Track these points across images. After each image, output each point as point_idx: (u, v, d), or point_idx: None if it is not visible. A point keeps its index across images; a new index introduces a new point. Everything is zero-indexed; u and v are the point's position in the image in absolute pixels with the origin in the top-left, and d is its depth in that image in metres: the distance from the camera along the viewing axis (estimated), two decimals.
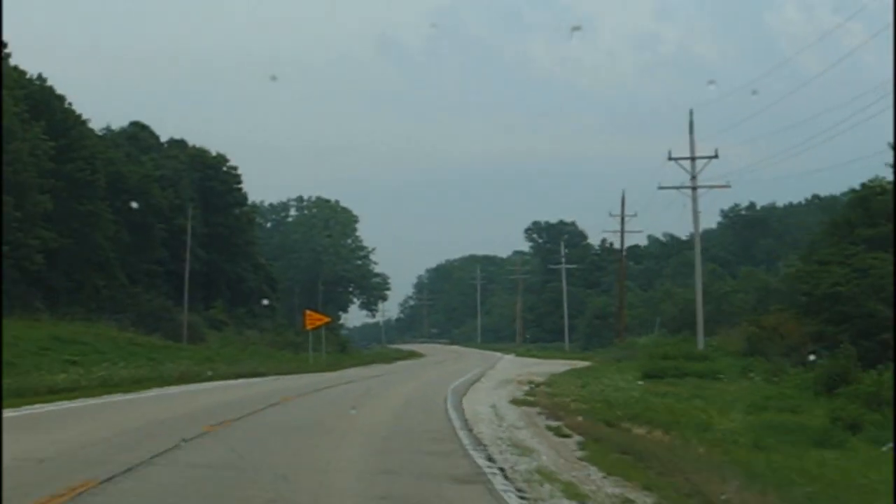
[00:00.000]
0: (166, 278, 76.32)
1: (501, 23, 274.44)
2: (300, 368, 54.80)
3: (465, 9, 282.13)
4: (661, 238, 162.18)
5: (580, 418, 22.16)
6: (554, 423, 22.79)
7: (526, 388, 34.49)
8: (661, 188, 57.18)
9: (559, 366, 57.55)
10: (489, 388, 36.91)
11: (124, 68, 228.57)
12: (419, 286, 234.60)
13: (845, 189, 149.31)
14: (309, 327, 65.85)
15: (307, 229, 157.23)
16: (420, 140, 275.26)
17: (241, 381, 41.94)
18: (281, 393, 33.31)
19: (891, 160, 44.56)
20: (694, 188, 52.58)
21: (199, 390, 35.87)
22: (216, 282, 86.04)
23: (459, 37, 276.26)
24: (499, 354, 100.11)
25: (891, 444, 18.69)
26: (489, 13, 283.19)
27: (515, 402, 29.70)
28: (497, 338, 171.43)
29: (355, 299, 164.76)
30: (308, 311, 68.85)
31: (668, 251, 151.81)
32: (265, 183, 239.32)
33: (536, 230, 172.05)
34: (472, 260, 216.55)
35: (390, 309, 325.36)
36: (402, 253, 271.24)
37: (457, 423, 23.41)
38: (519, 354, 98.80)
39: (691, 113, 54.40)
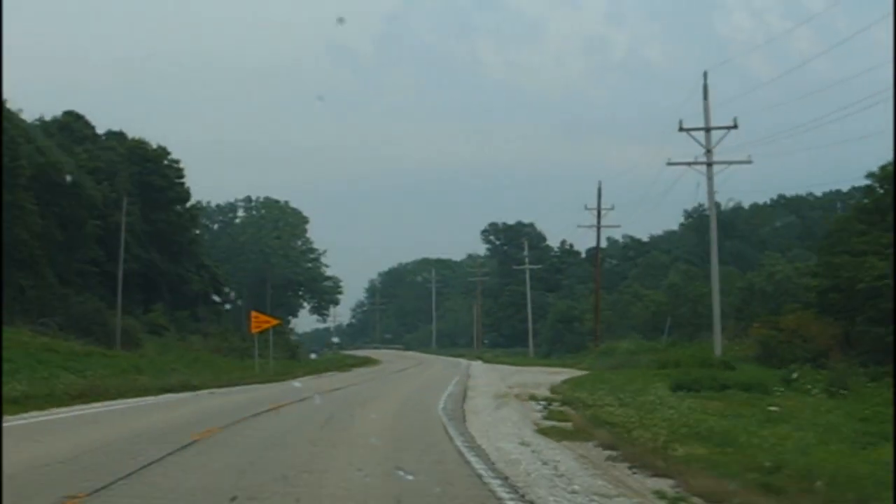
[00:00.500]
0: (101, 279, 69.88)
1: (451, 28, 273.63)
2: (244, 377, 47.88)
3: (415, 14, 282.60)
4: (621, 240, 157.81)
5: (700, 474, 13.38)
6: (661, 483, 13.91)
7: (537, 406, 27.27)
8: (670, 164, 48.21)
9: (544, 374, 51.23)
10: (488, 407, 28.61)
11: (72, 68, 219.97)
12: (371, 290, 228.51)
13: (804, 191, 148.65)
14: (255, 331, 58.79)
15: (255, 230, 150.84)
16: (372, 144, 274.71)
17: (162, 398, 33.39)
18: (196, 425, 22.52)
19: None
20: (709, 164, 46.19)
21: (58, 422, 23.77)
22: (156, 283, 79.68)
23: (410, 42, 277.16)
24: (464, 361, 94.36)
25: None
26: (439, 18, 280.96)
27: (545, 431, 21.16)
28: (453, 343, 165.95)
29: (306, 303, 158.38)
30: (254, 313, 61.94)
31: (626, 253, 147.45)
32: (215, 186, 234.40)
33: (494, 232, 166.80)
34: (426, 263, 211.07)
35: (342, 314, 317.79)
36: (353, 257, 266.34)
37: (498, 489, 13.86)
38: (486, 361, 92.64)
39: (706, 75, 46.08)
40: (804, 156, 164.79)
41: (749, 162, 46.51)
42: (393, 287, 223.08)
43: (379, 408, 30.19)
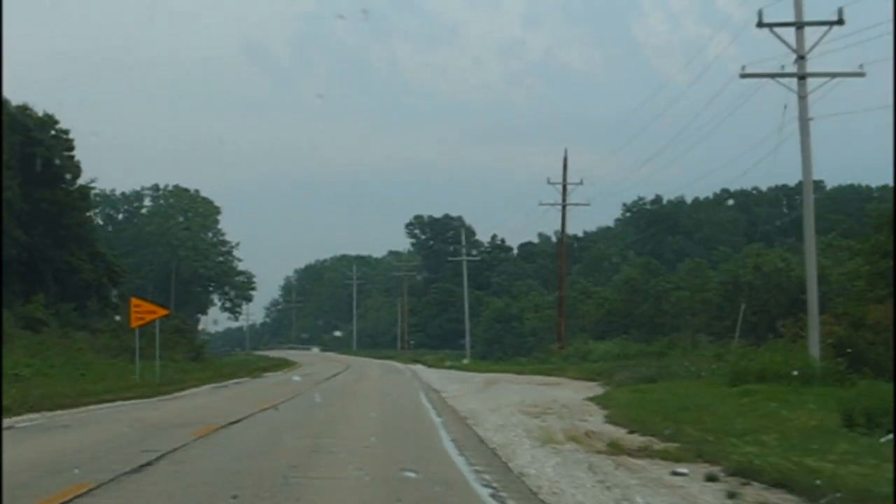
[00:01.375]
0: None
1: (367, 29, 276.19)
2: (117, 388, 35.29)
3: (331, 14, 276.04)
4: (554, 237, 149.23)
5: None
6: None
7: (678, 479, 13.78)
8: (743, 75, 34.12)
9: (536, 388, 40.22)
10: (549, 472, 14.77)
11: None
12: (287, 288, 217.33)
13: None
14: (136, 324, 45.40)
15: (163, 220, 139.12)
16: (288, 143, 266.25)
17: None
18: None
19: None
20: (801, 76, 34.59)
21: None
22: (39, 271, 68.43)
23: (326, 42, 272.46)
24: (399, 365, 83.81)
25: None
26: (355, 19, 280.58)
27: None
28: (374, 344, 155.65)
29: (216, 300, 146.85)
30: (134, 301, 48.02)
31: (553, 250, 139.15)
32: (125, 181, 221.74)
33: (419, 225, 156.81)
34: (345, 260, 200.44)
35: (255, 312, 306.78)
36: (268, 254, 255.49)
37: None
38: (431, 365, 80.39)
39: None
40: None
41: (862, 74, 33.11)
42: (310, 285, 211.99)
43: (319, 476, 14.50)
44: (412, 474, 14.39)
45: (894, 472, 11.26)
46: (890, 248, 30.10)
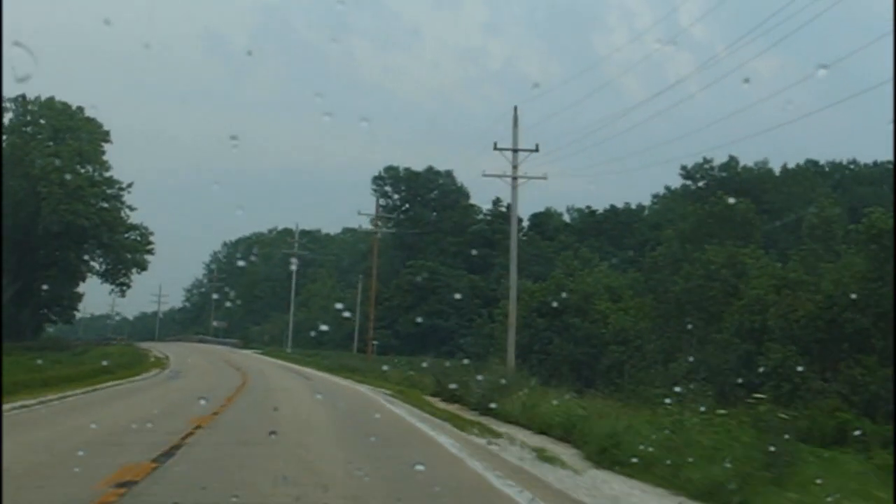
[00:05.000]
0: None
1: (328, 27, 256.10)
2: None
3: (291, 9, 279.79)
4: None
5: None
6: None
7: None
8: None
9: None
10: None
11: None
12: (212, 266, 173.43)
13: None
14: None
15: (23, 143, 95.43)
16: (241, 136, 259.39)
17: None
18: None
19: None
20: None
21: None
22: None
23: (285, 37, 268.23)
24: (362, 389, 42.31)
25: None
26: (316, 16, 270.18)
27: None
28: (318, 343, 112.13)
29: (94, 263, 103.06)
30: None
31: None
32: None
33: (391, 181, 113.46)
34: (287, 234, 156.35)
35: (172, 294, 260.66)
36: (196, 223, 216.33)
37: None
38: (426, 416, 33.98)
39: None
40: None
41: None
42: (241, 263, 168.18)
43: None
44: None
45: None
46: None
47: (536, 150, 48.23)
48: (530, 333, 59.81)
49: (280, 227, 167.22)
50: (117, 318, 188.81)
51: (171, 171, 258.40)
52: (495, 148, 47.76)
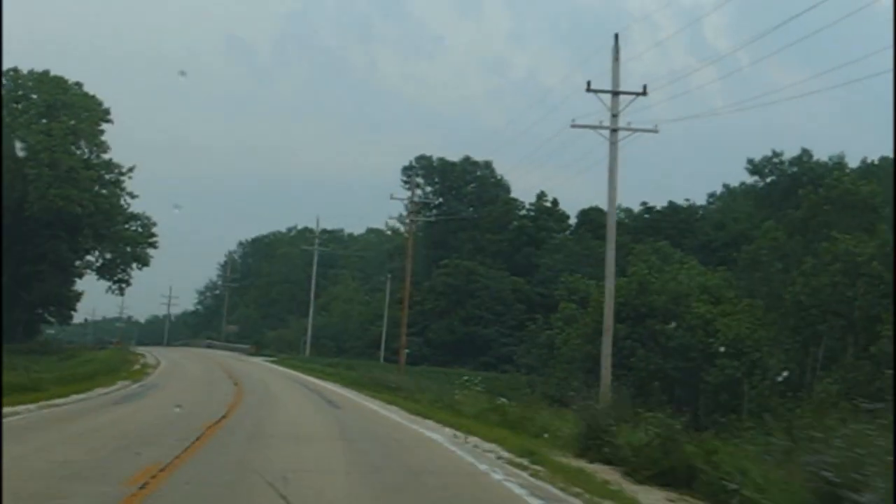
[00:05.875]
0: None
1: (351, 34, 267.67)
2: None
3: (316, 16, 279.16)
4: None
5: None
6: None
7: None
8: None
9: None
10: None
11: None
12: (227, 266, 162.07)
13: None
14: None
15: (11, 118, 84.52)
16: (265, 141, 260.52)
17: None
18: None
19: None
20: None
21: None
22: None
23: (309, 43, 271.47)
24: (434, 436, 24.64)
25: None
26: (340, 22, 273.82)
27: None
28: (339, 350, 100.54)
29: (91, 257, 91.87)
30: None
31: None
32: None
33: (425, 170, 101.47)
34: (308, 233, 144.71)
35: (185, 297, 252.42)
36: (212, 222, 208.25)
37: None
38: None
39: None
40: None
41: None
42: (258, 263, 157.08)
43: None
44: None
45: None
46: None
47: (644, 93, 36.57)
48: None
49: (300, 227, 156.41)
50: (126, 320, 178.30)
51: (194, 176, 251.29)
52: (588, 89, 36.14)
